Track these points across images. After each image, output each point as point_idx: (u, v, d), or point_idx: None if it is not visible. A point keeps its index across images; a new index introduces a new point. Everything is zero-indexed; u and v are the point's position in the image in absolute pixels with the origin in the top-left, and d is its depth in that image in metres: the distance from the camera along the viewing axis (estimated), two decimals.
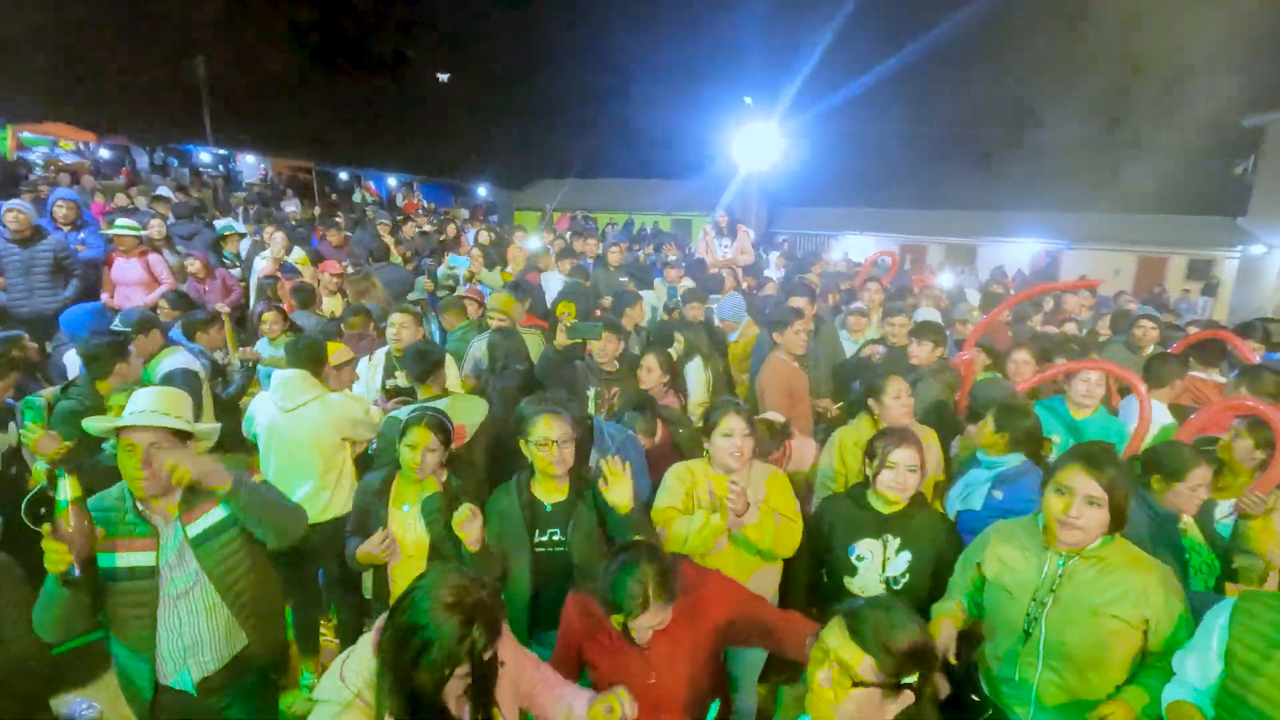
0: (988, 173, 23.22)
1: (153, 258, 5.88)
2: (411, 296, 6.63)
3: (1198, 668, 1.72)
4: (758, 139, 12.45)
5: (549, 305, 5.80)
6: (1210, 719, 1.68)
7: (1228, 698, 1.64)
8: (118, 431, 1.98)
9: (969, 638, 2.21)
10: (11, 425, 3.37)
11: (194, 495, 2.07)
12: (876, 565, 2.43)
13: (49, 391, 3.34)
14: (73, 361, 3.67)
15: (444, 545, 2.48)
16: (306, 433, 3.16)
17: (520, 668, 1.80)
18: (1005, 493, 2.72)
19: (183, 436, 2.04)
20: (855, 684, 1.30)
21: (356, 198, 21.73)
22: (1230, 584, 2.46)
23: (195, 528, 2.06)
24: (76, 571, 1.77)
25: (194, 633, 2.07)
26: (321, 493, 3.19)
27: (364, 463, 3.45)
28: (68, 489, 1.79)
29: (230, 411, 4.04)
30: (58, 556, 1.75)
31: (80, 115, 16.95)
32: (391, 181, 26.49)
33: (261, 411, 3.25)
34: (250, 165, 21.93)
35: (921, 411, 3.66)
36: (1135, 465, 2.68)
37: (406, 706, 1.44)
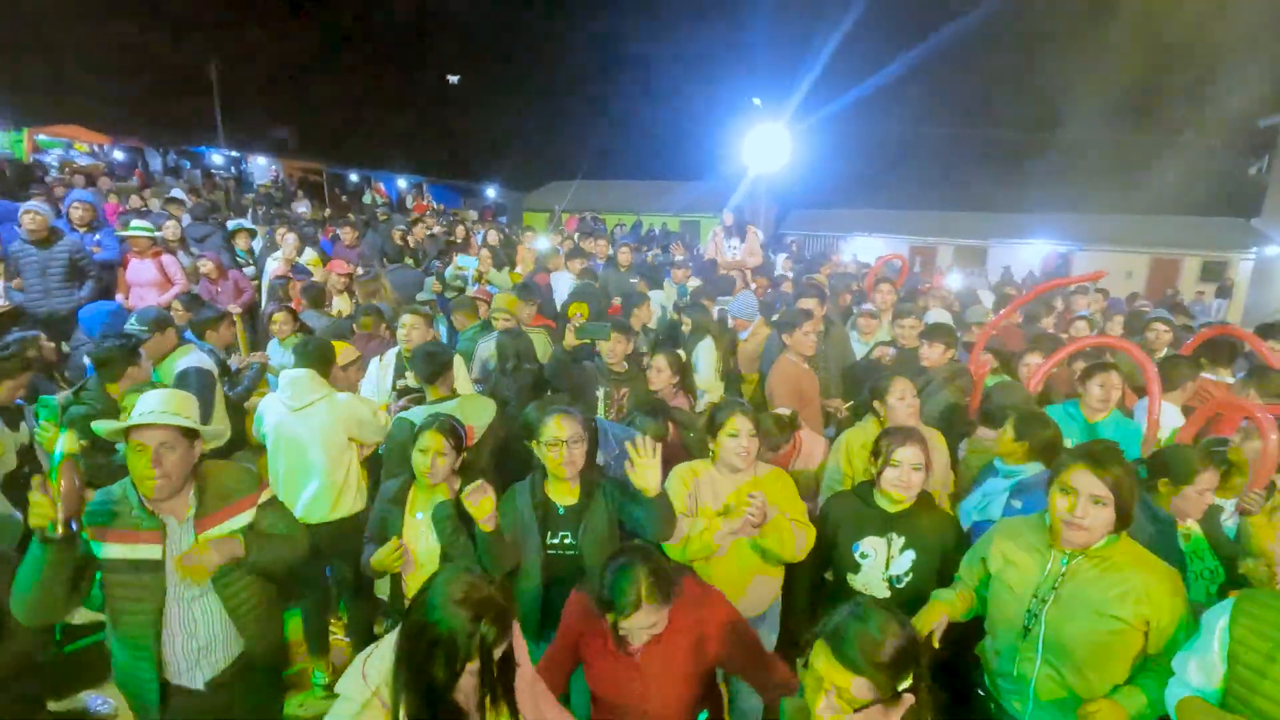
0: (998, 174, 23.08)
1: (167, 259, 5.95)
2: (420, 297, 6.68)
3: (1200, 670, 1.69)
4: (766, 140, 12.42)
5: (558, 306, 5.82)
6: None
7: (1234, 700, 1.62)
8: (126, 434, 1.99)
9: (971, 633, 2.20)
10: (23, 425, 3.42)
11: (210, 500, 2.10)
12: (880, 563, 2.42)
13: (62, 395, 3.37)
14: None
15: (455, 552, 2.48)
16: (313, 432, 3.18)
17: (532, 681, 1.78)
18: (1024, 501, 2.67)
19: (191, 436, 2.06)
20: (857, 709, 1.31)
21: (366, 199, 21.88)
22: (1235, 590, 2.43)
23: (211, 534, 2.08)
24: (58, 530, 1.73)
25: (208, 632, 2.10)
26: (328, 492, 3.20)
27: (373, 464, 3.47)
28: (65, 443, 1.75)
29: (238, 412, 4.07)
30: (41, 510, 1.72)
31: (94, 117, 17.18)
32: (401, 183, 26.65)
33: (270, 411, 3.27)
34: (261, 167, 22.17)
35: (934, 415, 3.64)
36: (1141, 469, 2.66)
37: (421, 704, 1.43)
